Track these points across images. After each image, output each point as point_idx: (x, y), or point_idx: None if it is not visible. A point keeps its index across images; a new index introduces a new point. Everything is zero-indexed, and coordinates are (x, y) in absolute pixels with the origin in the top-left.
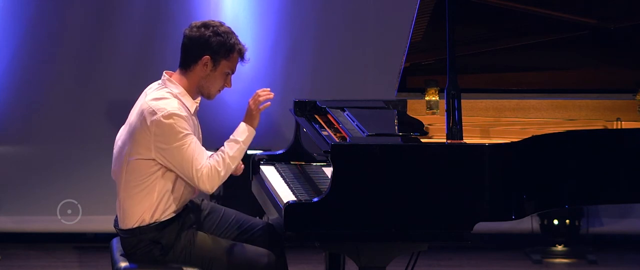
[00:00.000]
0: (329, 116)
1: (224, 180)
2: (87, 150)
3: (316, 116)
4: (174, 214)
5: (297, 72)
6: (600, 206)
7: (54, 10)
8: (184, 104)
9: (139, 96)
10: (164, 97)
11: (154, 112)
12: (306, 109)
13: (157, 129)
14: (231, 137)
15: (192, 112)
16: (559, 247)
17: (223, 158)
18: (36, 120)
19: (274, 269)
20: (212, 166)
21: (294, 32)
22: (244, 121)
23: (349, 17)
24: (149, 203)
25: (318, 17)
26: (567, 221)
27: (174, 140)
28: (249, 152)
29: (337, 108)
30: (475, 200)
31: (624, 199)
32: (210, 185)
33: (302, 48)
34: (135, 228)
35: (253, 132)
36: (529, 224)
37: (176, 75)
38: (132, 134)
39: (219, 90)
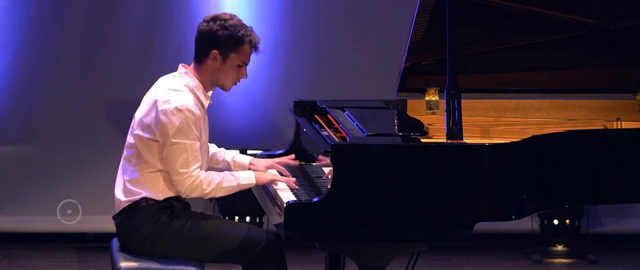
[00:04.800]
0: (329, 116)
1: (204, 198)
2: (87, 150)
3: (316, 116)
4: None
5: (297, 72)
6: (600, 206)
7: (54, 11)
8: (199, 100)
9: (139, 96)
10: (181, 90)
11: (168, 101)
12: (306, 109)
13: (165, 116)
14: (236, 173)
15: (205, 108)
16: (559, 247)
17: (217, 183)
18: (36, 120)
19: (273, 252)
20: (202, 179)
21: (294, 32)
22: (255, 172)
23: (349, 17)
24: (157, 182)
25: (318, 17)
26: (567, 221)
27: (177, 135)
28: (249, 151)
29: (337, 108)
30: (475, 200)
31: (624, 199)
32: (188, 192)
33: (302, 48)
34: (144, 198)
35: (253, 186)
36: (529, 224)
37: (191, 68)
38: (143, 118)
39: (234, 83)
